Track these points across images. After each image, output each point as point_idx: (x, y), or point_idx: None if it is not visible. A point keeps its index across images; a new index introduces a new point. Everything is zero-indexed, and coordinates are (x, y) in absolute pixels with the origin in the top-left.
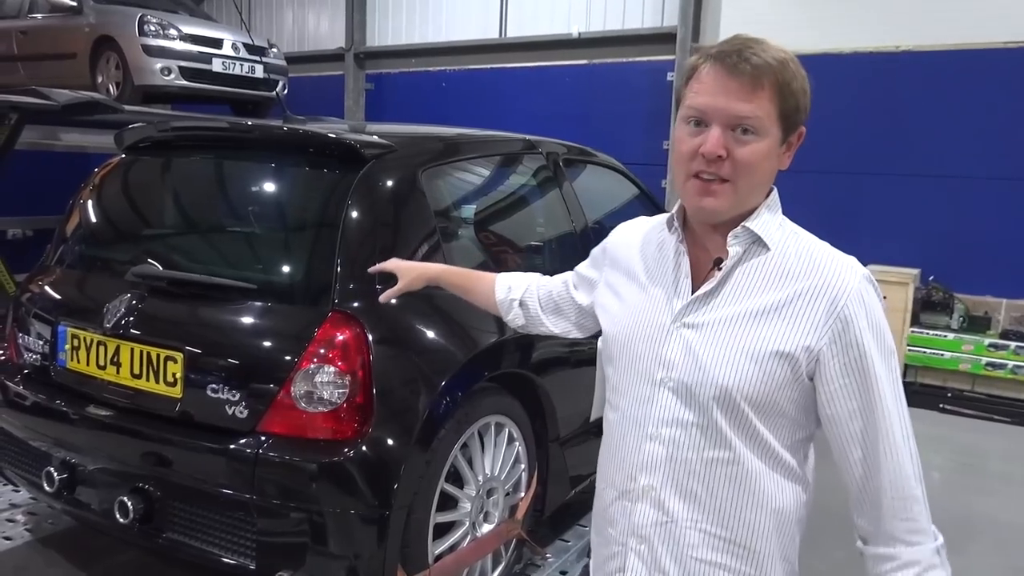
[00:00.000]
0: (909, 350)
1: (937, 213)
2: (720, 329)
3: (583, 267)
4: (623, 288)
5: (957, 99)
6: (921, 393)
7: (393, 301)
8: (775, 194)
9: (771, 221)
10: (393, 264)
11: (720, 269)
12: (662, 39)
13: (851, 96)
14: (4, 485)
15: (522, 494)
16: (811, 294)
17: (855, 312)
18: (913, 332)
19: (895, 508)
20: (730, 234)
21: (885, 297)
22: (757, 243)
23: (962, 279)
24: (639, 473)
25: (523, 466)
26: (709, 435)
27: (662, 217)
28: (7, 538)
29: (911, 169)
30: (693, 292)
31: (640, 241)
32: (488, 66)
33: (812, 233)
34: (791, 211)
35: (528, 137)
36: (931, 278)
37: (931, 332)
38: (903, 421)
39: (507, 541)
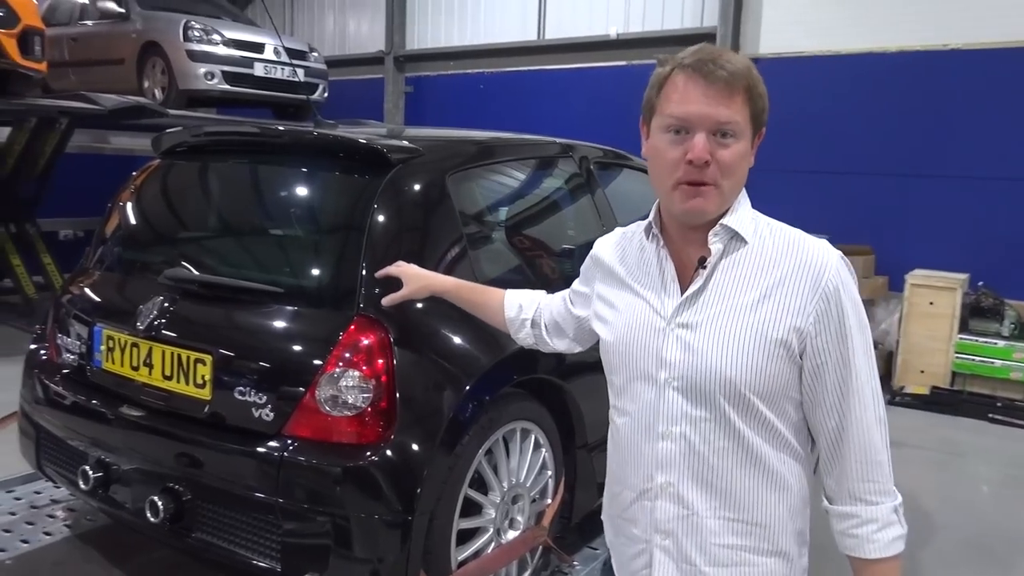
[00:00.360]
0: (957, 357)
1: (987, 216)
2: (714, 325)
3: (576, 284)
4: (614, 297)
5: (1008, 98)
6: (969, 402)
7: (418, 305)
8: (744, 191)
9: (745, 216)
10: (399, 269)
11: (705, 267)
12: (701, 39)
13: (897, 96)
14: (46, 482)
15: (549, 501)
16: (793, 277)
17: (836, 290)
18: (961, 339)
19: (860, 471)
20: (710, 232)
21: (932, 303)
22: (735, 238)
23: (1013, 284)
24: (656, 472)
25: (550, 472)
26: (719, 427)
27: (638, 225)
28: (47, 533)
29: (960, 171)
30: (682, 293)
31: (622, 250)
32: (526, 68)
33: (858, 236)
34: (835, 214)
35: (560, 140)
36: (980, 283)
37: (980, 339)
38: (874, 392)
39: (533, 548)
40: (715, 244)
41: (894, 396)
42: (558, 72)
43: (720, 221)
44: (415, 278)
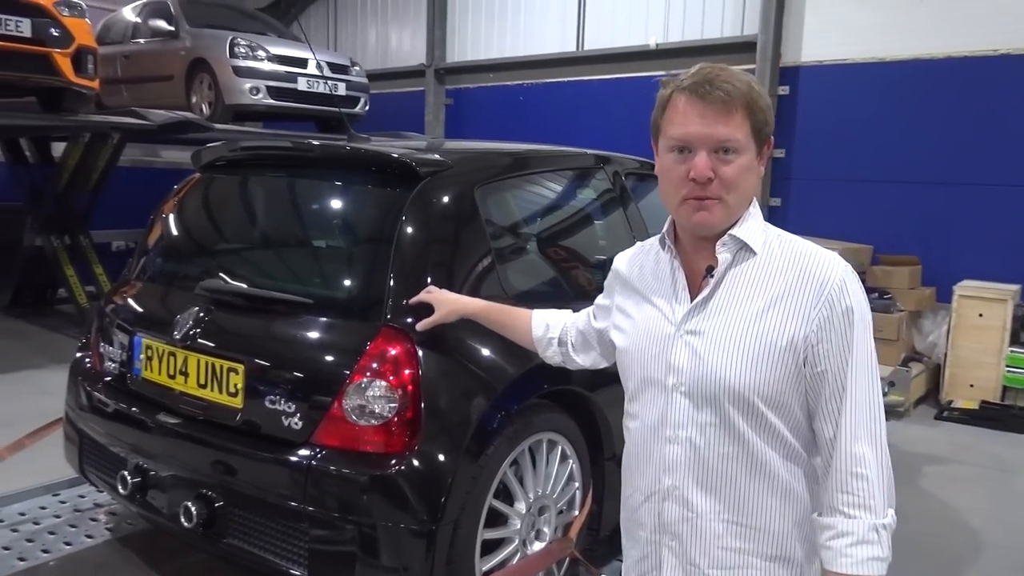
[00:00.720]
0: (1008, 371)
1: None
2: (721, 332)
3: (599, 298)
4: (630, 307)
5: None
6: (1020, 417)
7: None
8: (756, 202)
9: (754, 227)
10: (430, 296)
11: (712, 276)
12: (742, 48)
13: (945, 103)
14: (89, 486)
15: (576, 512)
16: (798, 287)
17: (839, 299)
18: (1012, 352)
19: (840, 481)
20: (718, 242)
21: (981, 315)
22: (744, 249)
23: None
24: (663, 475)
25: (577, 484)
26: (724, 432)
27: (656, 238)
28: (89, 536)
29: (1011, 179)
30: (691, 301)
31: (639, 262)
32: (566, 79)
33: (905, 246)
34: (881, 224)
35: (592, 152)
36: None
37: None
38: (871, 405)
39: (560, 560)
40: (723, 254)
41: (942, 411)
42: (597, 83)
43: (728, 232)
44: (445, 303)
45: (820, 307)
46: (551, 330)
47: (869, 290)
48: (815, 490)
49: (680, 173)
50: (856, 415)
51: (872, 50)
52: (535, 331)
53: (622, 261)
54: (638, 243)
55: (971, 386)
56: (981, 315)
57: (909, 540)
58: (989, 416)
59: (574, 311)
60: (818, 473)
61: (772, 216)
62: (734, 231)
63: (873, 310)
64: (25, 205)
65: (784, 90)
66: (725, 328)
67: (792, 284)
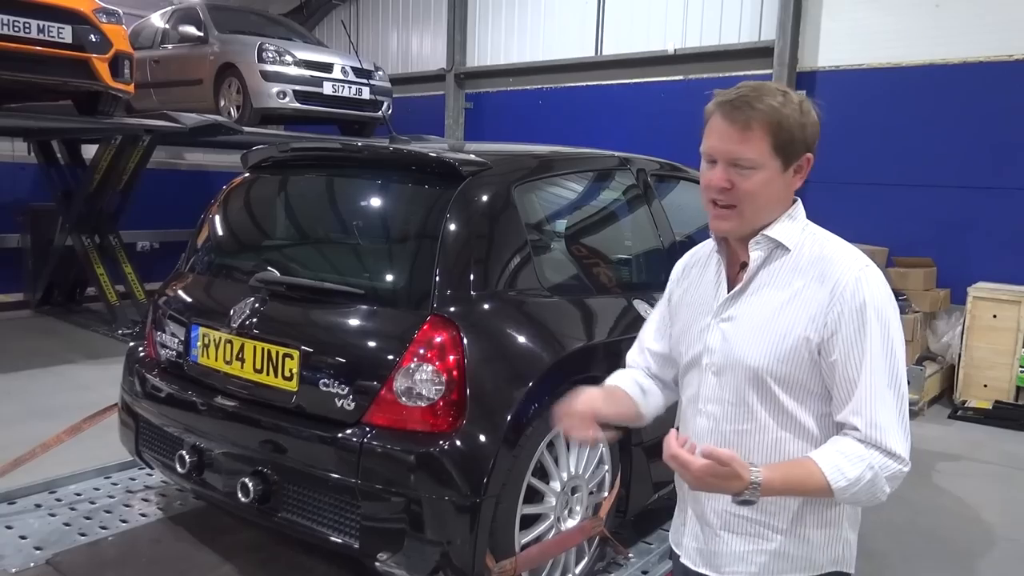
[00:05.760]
0: (1021, 372)
1: None
2: (747, 320)
3: (655, 310)
4: (684, 297)
5: None
6: None
7: (486, 306)
8: (797, 206)
9: (790, 227)
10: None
11: (746, 271)
12: (759, 53)
13: (960, 108)
14: (140, 469)
15: (605, 494)
16: (814, 285)
17: (851, 297)
18: None
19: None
20: (751, 241)
21: (995, 316)
22: (779, 247)
23: None
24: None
25: (607, 467)
26: (741, 410)
27: (710, 239)
28: (143, 515)
29: None
30: (728, 292)
31: (696, 259)
32: (584, 84)
33: (920, 249)
34: (897, 227)
35: (617, 154)
36: None
37: None
38: (891, 391)
39: (590, 538)
40: (755, 252)
41: (956, 410)
42: (616, 87)
43: (762, 232)
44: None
45: (832, 305)
46: (643, 383)
47: None
48: None
49: (706, 179)
50: (875, 403)
51: (888, 55)
52: (635, 396)
53: (682, 260)
54: (704, 241)
55: (985, 386)
56: (995, 316)
57: (923, 533)
58: (1003, 416)
59: (605, 303)
60: None
61: None
62: (767, 231)
63: None
64: (56, 206)
65: (800, 95)
66: (751, 316)
67: (809, 282)
